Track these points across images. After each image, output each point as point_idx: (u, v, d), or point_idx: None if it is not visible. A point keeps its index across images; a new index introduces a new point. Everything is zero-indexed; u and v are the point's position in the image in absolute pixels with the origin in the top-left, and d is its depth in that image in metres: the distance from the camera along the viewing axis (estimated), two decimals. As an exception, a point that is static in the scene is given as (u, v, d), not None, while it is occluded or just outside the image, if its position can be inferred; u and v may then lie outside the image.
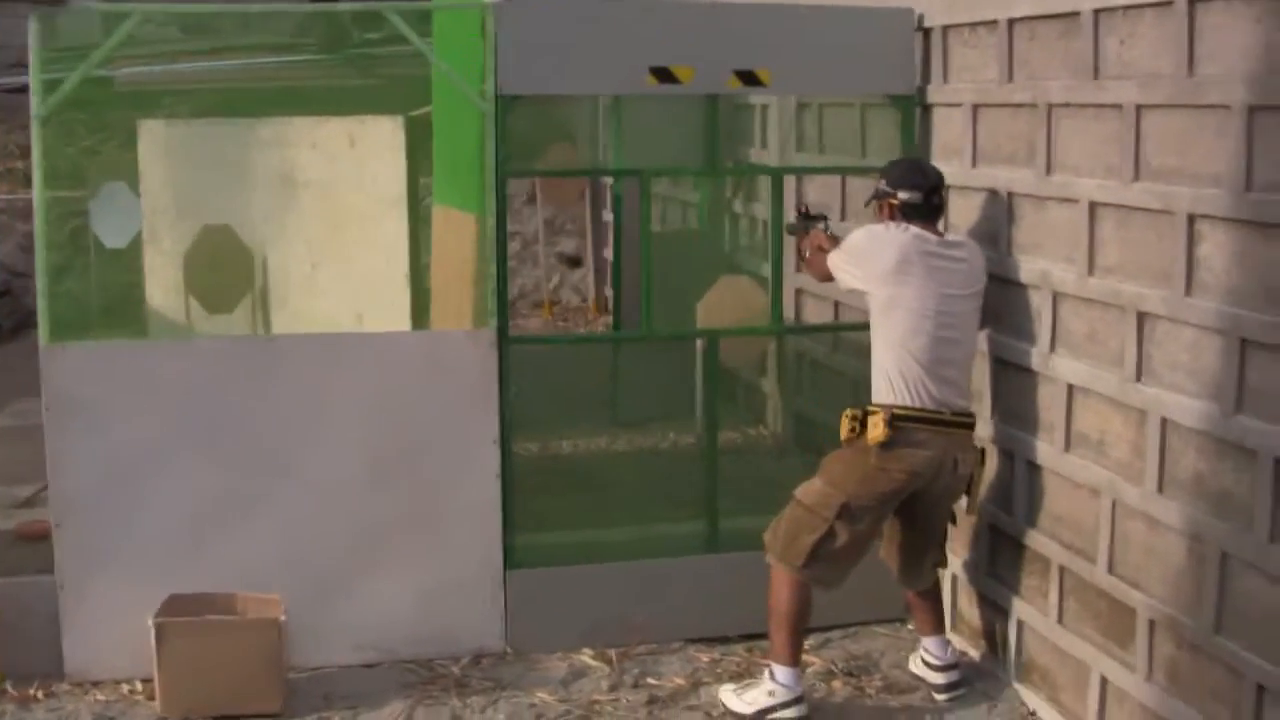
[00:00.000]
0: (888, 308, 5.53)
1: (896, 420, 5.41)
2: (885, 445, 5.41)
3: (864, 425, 5.46)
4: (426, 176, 7.94)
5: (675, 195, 10.48)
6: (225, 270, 8.76)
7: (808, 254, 6.14)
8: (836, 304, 7.56)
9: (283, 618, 5.57)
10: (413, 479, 5.97)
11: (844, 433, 5.53)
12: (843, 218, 7.30)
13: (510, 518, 6.05)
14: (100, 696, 5.68)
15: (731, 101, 9.06)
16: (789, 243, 6.45)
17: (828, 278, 5.89)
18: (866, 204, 5.97)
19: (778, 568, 5.55)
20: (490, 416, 5.99)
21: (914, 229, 5.58)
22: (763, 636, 6.19)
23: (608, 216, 12.90)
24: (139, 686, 5.69)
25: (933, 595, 5.94)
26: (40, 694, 5.68)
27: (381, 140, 8.02)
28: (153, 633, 5.47)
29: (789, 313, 7.95)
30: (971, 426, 5.59)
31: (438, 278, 7.48)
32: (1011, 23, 5.68)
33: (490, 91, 5.91)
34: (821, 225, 6.17)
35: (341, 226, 8.32)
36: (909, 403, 5.46)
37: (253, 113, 8.85)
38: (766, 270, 8.75)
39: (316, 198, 8.45)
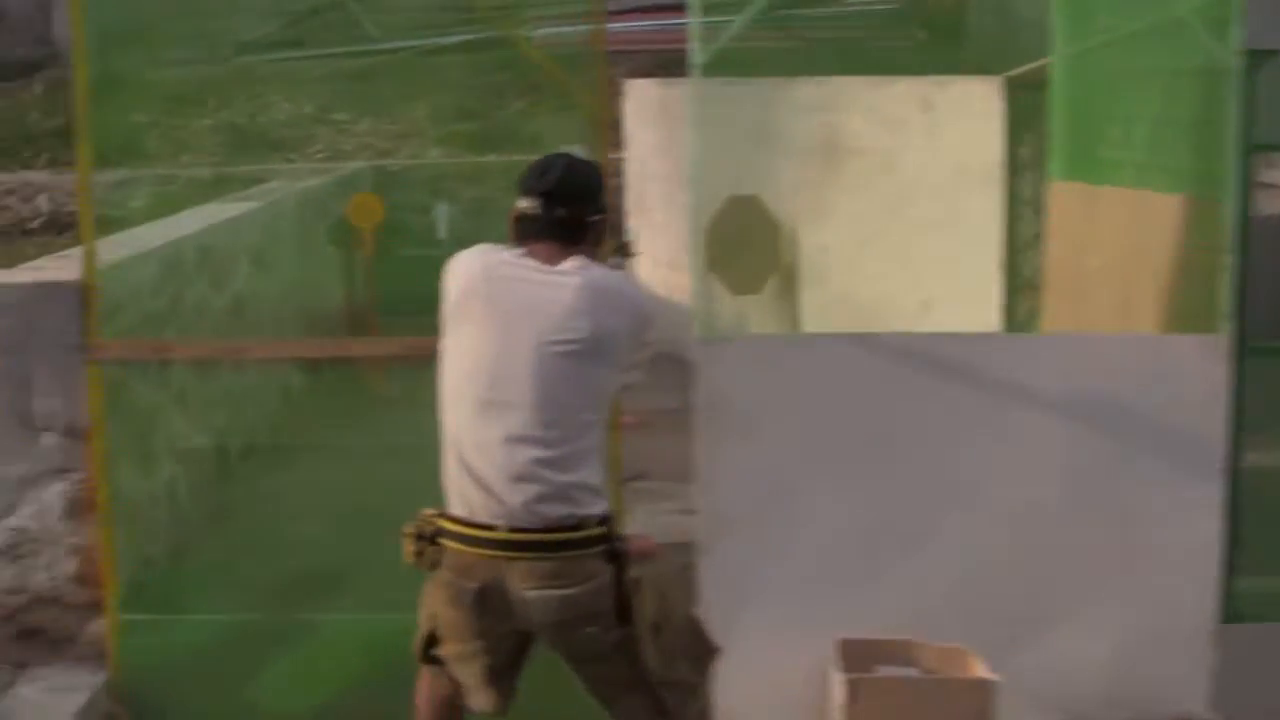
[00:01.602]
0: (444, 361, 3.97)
1: (441, 536, 3.87)
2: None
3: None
4: (1021, 145, 6.96)
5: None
6: (753, 246, 7.92)
7: None
8: None
9: (995, 678, 4.63)
10: (1114, 511, 4.98)
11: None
12: None
13: (1232, 560, 5.03)
14: (750, 753, 4.85)
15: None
16: None
17: None
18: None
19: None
20: (1216, 438, 4.96)
21: (509, 253, 3.98)
22: None
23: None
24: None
25: None
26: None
27: (969, 105, 7.07)
28: (842, 689, 4.59)
29: None
30: (580, 544, 3.84)
31: (1059, 267, 6.45)
32: None
33: (1236, 44, 4.86)
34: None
35: (905, 201, 7.39)
36: (454, 510, 3.88)
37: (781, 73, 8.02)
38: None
39: (871, 168, 7.54)
